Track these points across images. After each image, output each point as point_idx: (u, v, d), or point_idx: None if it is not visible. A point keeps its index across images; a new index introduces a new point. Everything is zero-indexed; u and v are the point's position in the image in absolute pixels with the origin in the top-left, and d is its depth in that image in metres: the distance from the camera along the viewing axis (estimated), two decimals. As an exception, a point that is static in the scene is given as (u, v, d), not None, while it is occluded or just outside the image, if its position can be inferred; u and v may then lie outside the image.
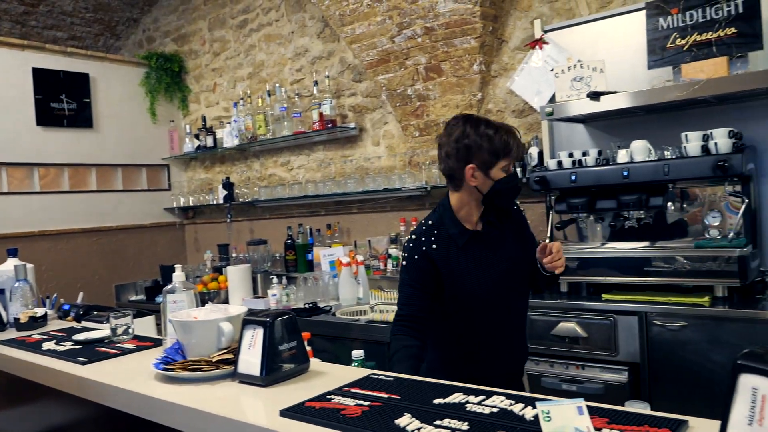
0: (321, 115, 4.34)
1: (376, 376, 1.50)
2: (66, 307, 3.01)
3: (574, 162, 2.94)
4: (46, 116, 4.79)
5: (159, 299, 4.25)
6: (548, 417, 1.03)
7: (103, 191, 5.18)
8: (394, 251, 4.05)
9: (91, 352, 2.04)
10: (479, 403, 1.25)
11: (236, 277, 4.28)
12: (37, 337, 2.36)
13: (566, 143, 3.33)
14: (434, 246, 1.96)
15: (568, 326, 2.72)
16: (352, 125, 4.38)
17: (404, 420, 1.18)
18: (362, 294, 3.84)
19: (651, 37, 2.84)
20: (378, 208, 4.37)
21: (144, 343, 2.12)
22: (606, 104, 2.81)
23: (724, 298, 2.56)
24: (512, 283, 2.03)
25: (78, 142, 4.99)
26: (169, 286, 1.93)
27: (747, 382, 0.90)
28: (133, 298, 5.00)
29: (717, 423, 0.94)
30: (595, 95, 2.81)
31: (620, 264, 2.77)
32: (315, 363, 1.70)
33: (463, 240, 1.98)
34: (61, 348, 2.12)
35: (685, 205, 2.80)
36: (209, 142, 5.15)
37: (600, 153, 2.96)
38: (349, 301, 3.79)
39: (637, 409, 1.25)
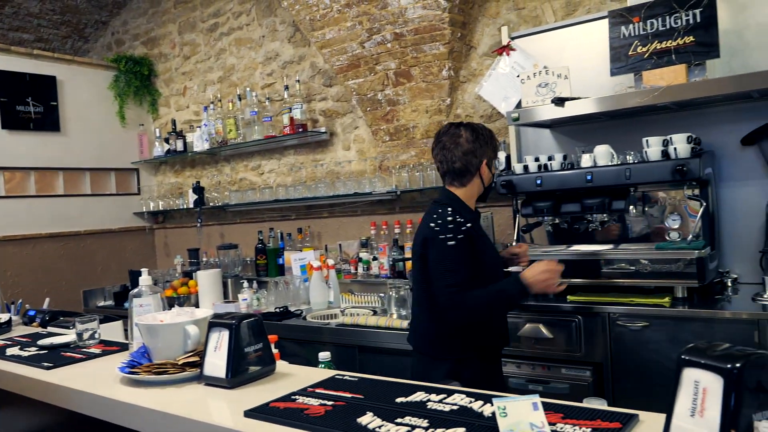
0: (292, 119, 4.35)
1: (340, 377, 1.52)
2: (31, 312, 2.97)
3: (540, 166, 3.00)
4: (12, 119, 4.72)
5: (128, 305, 4.21)
6: (504, 413, 1.07)
7: (71, 196, 5.11)
8: (364, 255, 4.08)
9: (57, 357, 2.03)
10: (440, 401, 1.28)
11: (206, 281, 4.25)
12: (1, 342, 2.33)
13: (533, 148, 3.40)
14: (469, 224, 2.26)
15: (534, 327, 2.77)
16: (323, 130, 4.40)
17: (366, 418, 1.20)
18: (333, 298, 3.85)
19: (613, 45, 2.91)
20: (349, 212, 4.39)
21: (110, 348, 2.11)
22: (570, 110, 2.87)
23: (684, 298, 2.63)
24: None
25: (45, 145, 4.92)
26: (136, 290, 1.93)
27: (690, 375, 0.94)
28: (102, 303, 4.95)
29: (664, 416, 0.98)
30: (559, 101, 2.87)
31: (585, 266, 2.82)
32: (282, 365, 1.72)
33: (477, 223, 2.37)
34: (25, 353, 2.10)
35: (646, 209, 2.87)
36: (179, 146, 5.12)
37: (565, 157, 3.03)
38: (320, 305, 3.80)
39: (594, 405, 1.29)
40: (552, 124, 3.28)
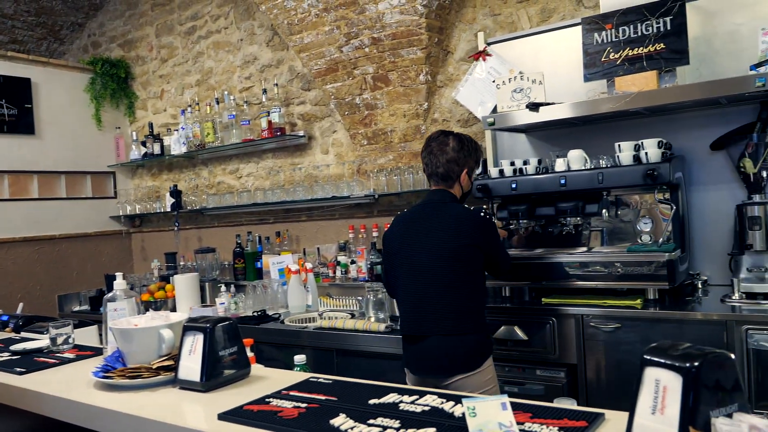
0: (270, 123, 4.35)
1: (315, 380, 1.54)
2: (5, 318, 2.94)
3: (515, 170, 3.04)
4: (-15, 122, 4.66)
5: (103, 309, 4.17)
6: (474, 413, 1.09)
7: (46, 199, 5.05)
8: (342, 258, 4.08)
9: (30, 362, 2.01)
10: (412, 402, 1.30)
11: (184, 285, 4.23)
12: (-27, 348, 2.30)
13: (509, 152, 3.44)
14: None
15: (510, 329, 2.81)
16: (301, 133, 4.41)
17: (339, 420, 1.21)
18: (311, 301, 3.86)
19: (587, 51, 2.96)
20: (327, 216, 4.40)
21: (84, 353, 2.09)
22: (544, 115, 2.92)
23: (655, 300, 2.68)
24: None
25: (19, 148, 4.86)
26: (110, 294, 1.92)
27: (651, 374, 0.97)
28: (77, 308, 4.90)
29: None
30: (533, 106, 2.91)
31: (558, 269, 2.86)
32: (257, 368, 1.73)
33: None
34: (-3, 359, 2.08)
35: (619, 212, 2.92)
36: (156, 149, 5.09)
37: (540, 162, 3.07)
38: (297, 309, 3.81)
39: (564, 404, 1.32)
40: (527, 129, 3.32)
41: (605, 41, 2.92)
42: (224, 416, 1.31)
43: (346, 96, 4.07)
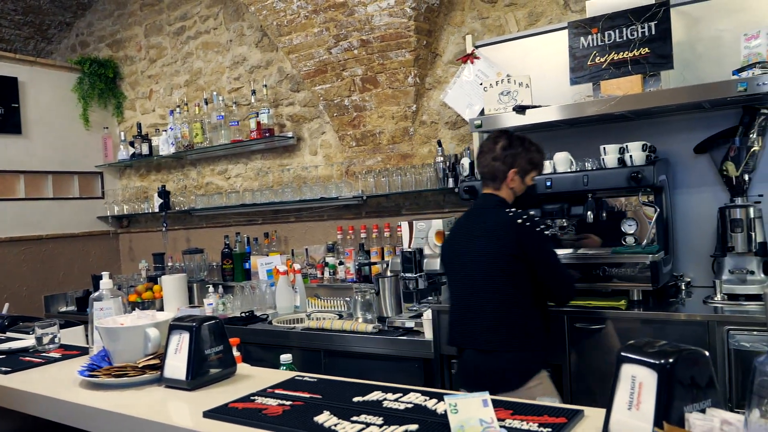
0: (258, 124, 4.35)
1: (300, 378, 1.55)
2: (-10, 317, 2.93)
3: (502, 172, 3.05)
4: (-28, 121, 4.63)
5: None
6: (455, 410, 1.10)
7: (33, 199, 5.02)
8: (330, 259, 4.10)
9: (15, 361, 2.01)
10: (396, 400, 1.31)
11: (171, 286, 4.23)
12: (-43, 347, 2.29)
13: (496, 154, 3.46)
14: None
15: (496, 330, 2.82)
16: (290, 134, 4.42)
17: (323, 417, 1.23)
18: (299, 302, 3.87)
19: (573, 55, 2.99)
20: (315, 217, 4.40)
21: (70, 352, 2.09)
22: (531, 117, 2.95)
23: (639, 301, 2.71)
24: None
25: (5, 148, 4.83)
26: (96, 294, 1.92)
27: (628, 371, 0.99)
28: (64, 309, 4.88)
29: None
30: (520, 109, 2.94)
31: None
32: (242, 367, 1.74)
33: None
34: (-18, 358, 2.07)
35: (604, 214, 2.95)
36: (145, 149, 5.08)
37: (526, 164, 3.09)
38: (285, 310, 3.81)
39: (545, 402, 1.34)
40: (514, 132, 3.34)
41: (591, 45, 2.95)
42: (209, 414, 1.32)
43: (334, 97, 4.08)
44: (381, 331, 3.14)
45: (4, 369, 1.90)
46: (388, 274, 3.44)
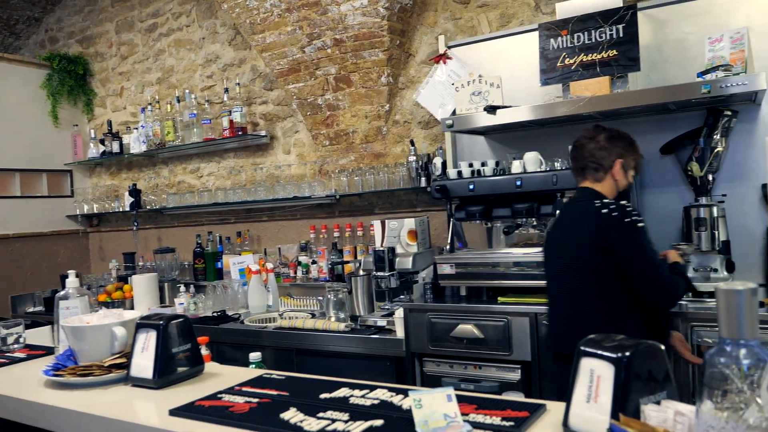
0: (231, 122, 4.33)
1: (268, 376, 1.55)
2: (-47, 317, 2.87)
3: (473, 172, 3.09)
4: (-64, 117, 4.53)
5: (59, 309, 4.09)
6: (419, 405, 1.12)
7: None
8: (303, 258, 4.09)
9: (-22, 361, 1.97)
10: (362, 396, 1.32)
11: (142, 286, 4.19)
12: None
13: (468, 154, 3.49)
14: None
15: (466, 328, 2.85)
16: (263, 133, 4.40)
17: (289, 413, 1.23)
18: (272, 301, 3.86)
19: (544, 56, 3.03)
20: (288, 216, 4.39)
21: (35, 352, 2.07)
22: (501, 117, 2.98)
23: (606, 299, 2.75)
24: None
25: (-29, 145, 4.74)
26: (62, 292, 1.90)
27: (586, 365, 1.02)
28: (31, 309, 4.80)
29: (566, 404, 1.05)
30: (491, 109, 2.97)
31: (516, 268, 2.92)
32: (211, 365, 1.73)
33: None
34: (-56, 358, 2.03)
35: (573, 213, 2.99)
36: (115, 147, 5.01)
37: (498, 163, 3.13)
38: (258, 309, 3.80)
39: (511, 397, 1.36)
40: (486, 131, 3.38)
41: (561, 47, 3.00)
42: (176, 412, 1.31)
43: (308, 96, 4.08)
44: (353, 330, 3.15)
45: (-34, 369, 1.86)
46: (361, 273, 3.45)
